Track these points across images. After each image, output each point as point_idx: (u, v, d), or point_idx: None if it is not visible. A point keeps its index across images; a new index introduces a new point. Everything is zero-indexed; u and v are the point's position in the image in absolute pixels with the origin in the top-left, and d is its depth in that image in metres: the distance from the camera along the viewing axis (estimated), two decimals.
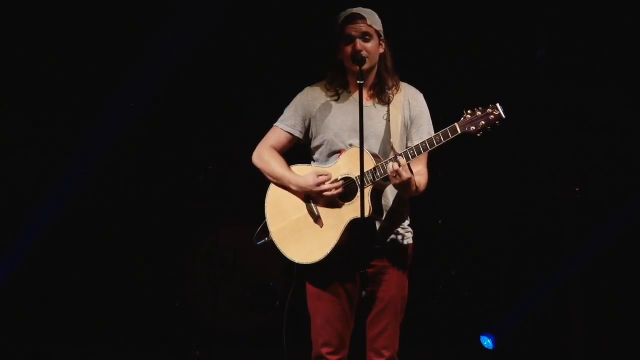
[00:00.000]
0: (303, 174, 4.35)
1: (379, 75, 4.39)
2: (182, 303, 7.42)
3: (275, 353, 4.66)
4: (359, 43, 4.30)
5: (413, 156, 4.19)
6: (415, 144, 4.21)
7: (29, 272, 7.37)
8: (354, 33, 4.31)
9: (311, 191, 4.30)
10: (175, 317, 7.38)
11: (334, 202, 4.28)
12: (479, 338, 7.22)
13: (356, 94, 4.35)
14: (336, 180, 4.28)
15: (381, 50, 4.38)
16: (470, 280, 7.43)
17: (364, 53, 4.28)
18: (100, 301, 7.46)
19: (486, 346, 7.20)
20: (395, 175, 4.13)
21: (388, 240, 4.34)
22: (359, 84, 4.19)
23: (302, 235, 4.32)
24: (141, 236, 7.59)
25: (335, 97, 4.41)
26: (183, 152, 7.64)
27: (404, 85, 4.44)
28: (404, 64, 4.52)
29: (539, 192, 7.41)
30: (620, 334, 7.13)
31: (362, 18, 4.31)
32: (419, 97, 4.46)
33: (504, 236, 7.49)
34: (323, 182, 4.28)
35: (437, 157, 4.37)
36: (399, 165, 4.12)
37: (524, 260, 7.38)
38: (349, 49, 4.31)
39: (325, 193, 4.27)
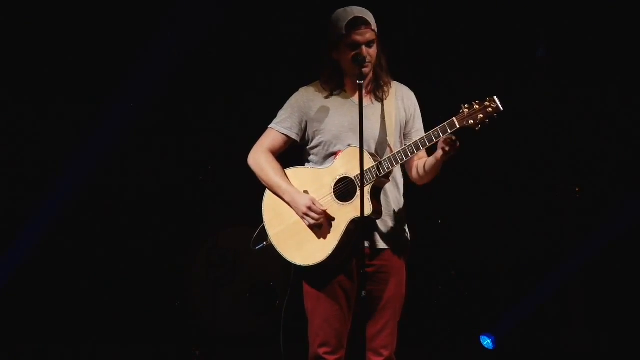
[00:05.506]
0: (299, 182, 4.34)
1: (374, 73, 4.37)
2: (182, 303, 7.42)
3: (275, 353, 4.65)
4: (365, 50, 4.27)
5: (412, 153, 4.20)
6: (414, 141, 4.21)
7: (29, 272, 7.37)
8: (360, 39, 4.26)
9: (297, 211, 4.29)
10: (175, 317, 7.38)
11: (333, 202, 4.28)
12: (479, 338, 7.22)
13: (354, 96, 4.36)
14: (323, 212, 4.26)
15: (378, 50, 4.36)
16: (470, 280, 7.43)
17: (368, 59, 4.25)
18: (101, 301, 7.45)
19: (486, 346, 7.20)
20: (450, 148, 4.12)
21: (387, 239, 4.33)
22: (359, 83, 4.17)
23: (302, 237, 4.30)
24: (141, 236, 7.59)
25: (331, 98, 4.39)
26: (183, 152, 7.64)
27: (394, 84, 4.43)
28: (404, 62, 4.52)
29: (539, 192, 7.41)
30: (621, 334, 7.13)
31: (367, 24, 4.28)
32: (412, 95, 4.47)
33: (504, 236, 7.48)
34: (313, 212, 4.25)
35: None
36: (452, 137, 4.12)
37: (524, 260, 7.38)
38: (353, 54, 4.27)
39: (306, 220, 4.26)
